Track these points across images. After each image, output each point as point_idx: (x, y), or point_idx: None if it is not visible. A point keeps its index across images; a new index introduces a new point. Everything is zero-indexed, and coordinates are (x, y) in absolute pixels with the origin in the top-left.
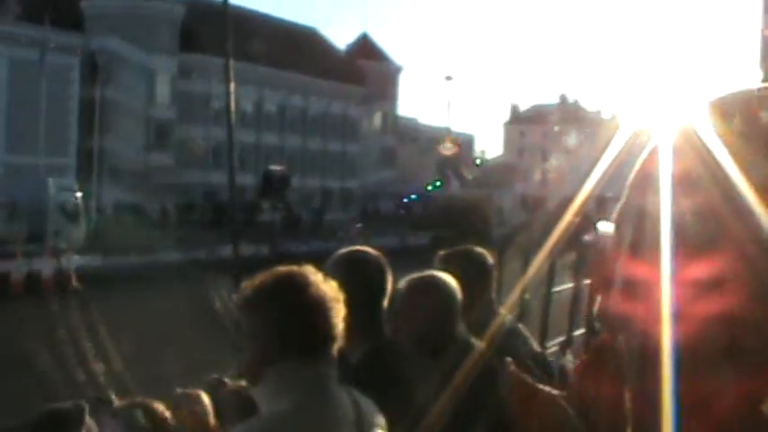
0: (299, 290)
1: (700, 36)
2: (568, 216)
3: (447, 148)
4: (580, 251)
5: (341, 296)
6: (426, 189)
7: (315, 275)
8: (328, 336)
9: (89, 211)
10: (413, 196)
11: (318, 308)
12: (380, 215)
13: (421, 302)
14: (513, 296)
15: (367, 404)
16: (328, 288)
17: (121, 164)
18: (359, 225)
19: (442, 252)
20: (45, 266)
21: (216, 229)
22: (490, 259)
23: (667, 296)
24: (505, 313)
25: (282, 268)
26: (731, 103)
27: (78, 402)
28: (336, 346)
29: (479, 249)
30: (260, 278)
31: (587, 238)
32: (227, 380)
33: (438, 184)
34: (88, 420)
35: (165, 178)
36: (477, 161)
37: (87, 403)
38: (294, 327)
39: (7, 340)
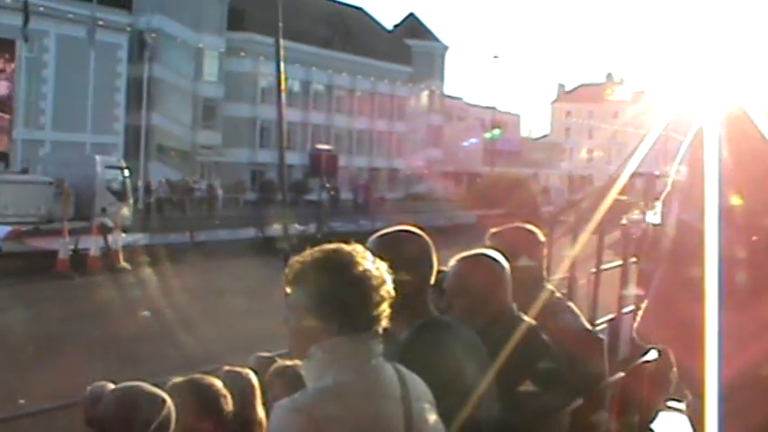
0: (345, 267)
1: (748, 17)
2: (614, 194)
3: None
4: (624, 230)
5: (388, 275)
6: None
7: (362, 253)
8: (374, 313)
9: (136, 189)
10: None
11: (364, 285)
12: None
13: (472, 280)
14: (562, 274)
15: (414, 380)
16: (375, 266)
17: (169, 142)
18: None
19: (493, 229)
20: (92, 245)
21: (263, 208)
22: (541, 235)
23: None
24: (555, 290)
25: (330, 245)
26: None
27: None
28: (382, 324)
29: (530, 226)
30: (308, 254)
31: (633, 217)
32: (275, 357)
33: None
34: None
35: (212, 156)
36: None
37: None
38: (340, 303)
39: (63, 318)
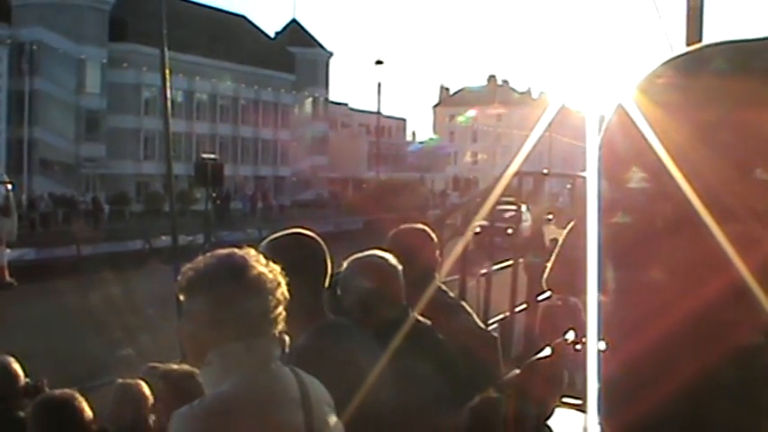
0: (239, 271)
1: (625, 16)
2: (498, 196)
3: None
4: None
5: (282, 278)
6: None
7: (256, 257)
8: (270, 316)
9: (20, 203)
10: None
11: (259, 288)
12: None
13: (363, 281)
14: (452, 276)
15: (313, 383)
16: (269, 269)
17: (52, 155)
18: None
19: (393, 231)
20: None
21: (149, 220)
22: (434, 236)
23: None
24: (448, 290)
25: (223, 250)
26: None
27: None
28: (279, 327)
29: (424, 226)
30: (201, 260)
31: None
32: (163, 367)
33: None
34: None
35: (96, 169)
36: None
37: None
38: (235, 308)
39: None
